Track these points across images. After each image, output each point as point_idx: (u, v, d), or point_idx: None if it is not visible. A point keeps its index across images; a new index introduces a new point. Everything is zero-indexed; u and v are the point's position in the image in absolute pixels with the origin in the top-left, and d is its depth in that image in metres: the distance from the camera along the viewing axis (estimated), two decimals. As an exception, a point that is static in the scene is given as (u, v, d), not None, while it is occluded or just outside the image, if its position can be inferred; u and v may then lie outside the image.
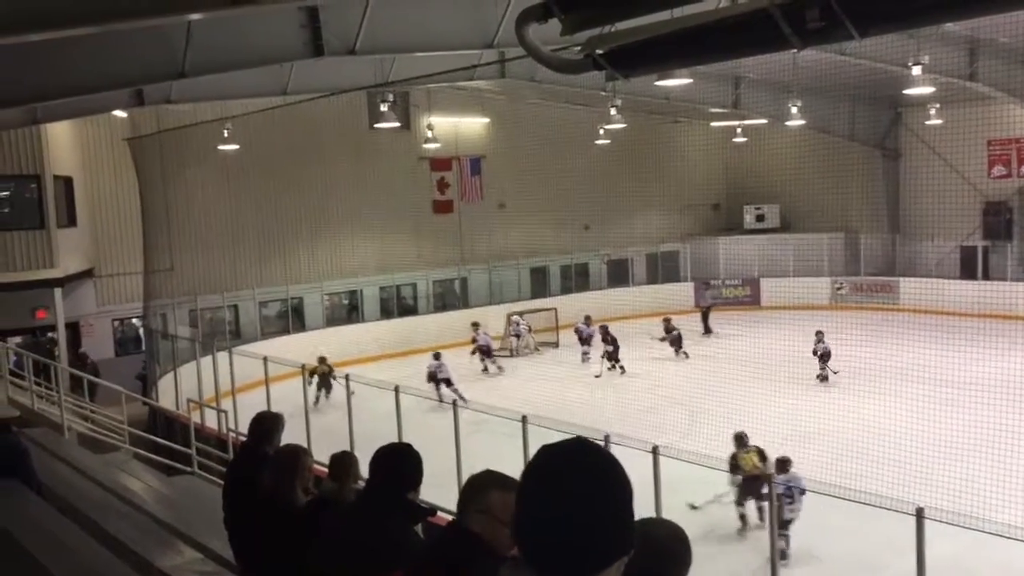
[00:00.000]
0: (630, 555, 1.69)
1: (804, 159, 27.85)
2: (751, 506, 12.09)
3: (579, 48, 4.57)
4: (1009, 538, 7.33)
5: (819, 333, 20.89)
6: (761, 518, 11.69)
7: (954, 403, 16.94)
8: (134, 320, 24.52)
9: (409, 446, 3.89)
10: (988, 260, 28.70)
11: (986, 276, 28.02)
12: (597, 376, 22.27)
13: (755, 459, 12.09)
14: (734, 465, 12.01)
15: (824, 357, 20.62)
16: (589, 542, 1.62)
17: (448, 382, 19.93)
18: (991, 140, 27.69)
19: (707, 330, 27.55)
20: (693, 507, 11.82)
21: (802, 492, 10.89)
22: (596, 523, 1.62)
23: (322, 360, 20.17)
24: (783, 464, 11.33)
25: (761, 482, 11.42)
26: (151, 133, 22.23)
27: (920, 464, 13.91)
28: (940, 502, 8.49)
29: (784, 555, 10.55)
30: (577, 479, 1.64)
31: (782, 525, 10.42)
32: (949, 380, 18.82)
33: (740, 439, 12.47)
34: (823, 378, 20.48)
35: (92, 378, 18.62)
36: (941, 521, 7.26)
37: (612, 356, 22.72)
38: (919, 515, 7.05)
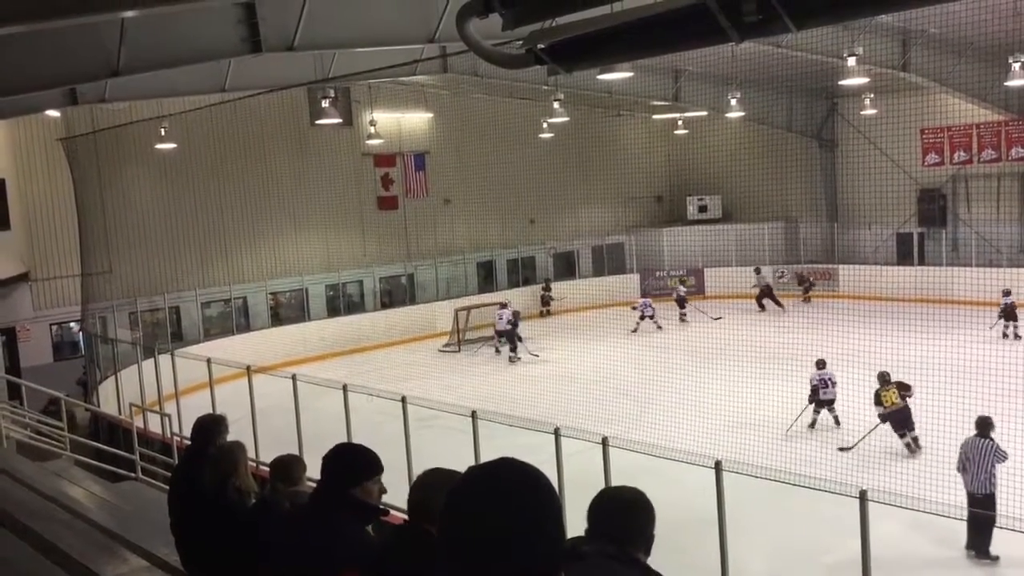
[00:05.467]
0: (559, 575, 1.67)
1: (744, 150, 28.23)
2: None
3: (521, 43, 4.58)
4: (946, 516, 7.54)
5: (1006, 292, 21.28)
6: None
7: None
8: (72, 324, 23.98)
9: (360, 445, 3.87)
10: (924, 246, 29.41)
11: (922, 261, 28.68)
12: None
13: (893, 396, 14.00)
14: (877, 401, 14.19)
15: (1011, 315, 20.81)
16: (512, 563, 1.59)
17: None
18: (924, 129, 28.31)
19: (776, 303, 28.20)
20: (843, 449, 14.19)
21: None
22: (520, 544, 1.60)
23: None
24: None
25: (903, 414, 13.91)
26: (86, 133, 21.72)
27: (861, 447, 14.21)
28: (881, 483, 8.70)
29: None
30: (501, 500, 1.63)
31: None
32: (887, 364, 19.29)
33: (883, 377, 14.31)
34: (1017, 336, 21.00)
35: (31, 384, 18.13)
36: (882, 503, 7.44)
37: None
38: (862, 498, 7.21)
